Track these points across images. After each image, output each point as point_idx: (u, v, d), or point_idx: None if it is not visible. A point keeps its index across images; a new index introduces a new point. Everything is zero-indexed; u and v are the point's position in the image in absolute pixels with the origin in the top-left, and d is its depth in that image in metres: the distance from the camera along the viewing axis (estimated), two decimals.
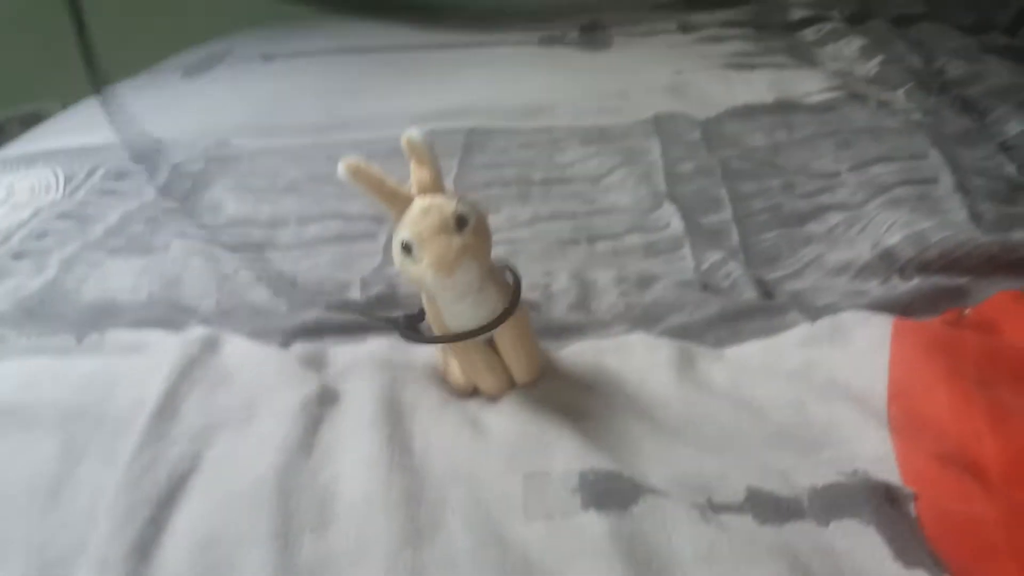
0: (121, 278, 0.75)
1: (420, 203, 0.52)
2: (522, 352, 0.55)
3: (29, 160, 1.10)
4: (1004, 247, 0.63)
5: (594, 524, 0.42)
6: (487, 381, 0.55)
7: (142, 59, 1.66)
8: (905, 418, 0.49)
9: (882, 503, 0.43)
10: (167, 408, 0.53)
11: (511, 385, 0.56)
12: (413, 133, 0.54)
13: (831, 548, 0.41)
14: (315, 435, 0.51)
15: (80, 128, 1.22)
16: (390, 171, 0.68)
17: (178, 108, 1.27)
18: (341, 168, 0.52)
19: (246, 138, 1.10)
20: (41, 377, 0.60)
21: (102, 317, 0.68)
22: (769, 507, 0.43)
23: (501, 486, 0.46)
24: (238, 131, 1.12)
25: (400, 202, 0.52)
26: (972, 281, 0.63)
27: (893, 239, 0.68)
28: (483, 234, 0.52)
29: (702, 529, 0.42)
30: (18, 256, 0.84)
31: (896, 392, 0.51)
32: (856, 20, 1.35)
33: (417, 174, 0.54)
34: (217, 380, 0.57)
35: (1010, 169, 0.89)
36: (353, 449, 0.49)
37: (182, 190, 0.97)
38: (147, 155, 1.07)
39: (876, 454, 0.47)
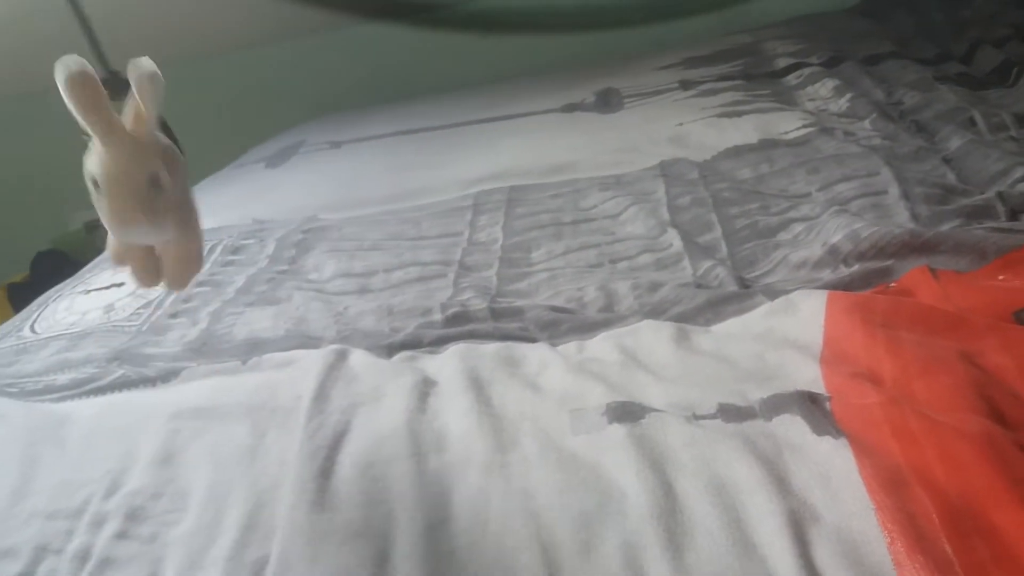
0: (261, 322, 1.00)
1: (123, 145, 0.50)
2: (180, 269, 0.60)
3: None
4: (912, 235, 0.84)
5: (617, 431, 0.64)
6: (141, 276, 0.60)
7: (226, 153, 1.96)
8: (832, 355, 0.70)
9: (807, 403, 0.64)
10: (320, 396, 0.77)
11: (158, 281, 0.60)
12: (144, 63, 0.51)
13: (772, 432, 0.62)
14: (426, 403, 0.74)
15: None
16: (448, 225, 0.89)
17: (269, 193, 1.54)
18: (62, 75, 0.48)
19: (331, 212, 1.36)
20: (223, 388, 0.84)
21: (254, 348, 0.92)
22: (733, 414, 0.65)
23: (555, 419, 0.69)
24: (324, 208, 1.38)
25: (107, 128, 0.50)
26: (896, 263, 0.84)
27: (836, 238, 0.89)
28: (170, 196, 0.53)
29: (687, 428, 0.63)
30: (174, 316, 1.09)
31: (828, 340, 0.72)
32: (832, 63, 1.57)
33: (135, 108, 0.52)
34: (351, 377, 0.80)
35: (951, 177, 1.09)
36: (452, 408, 0.72)
37: (288, 257, 1.22)
38: (255, 232, 1.33)
39: (809, 379, 0.68)
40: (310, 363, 0.83)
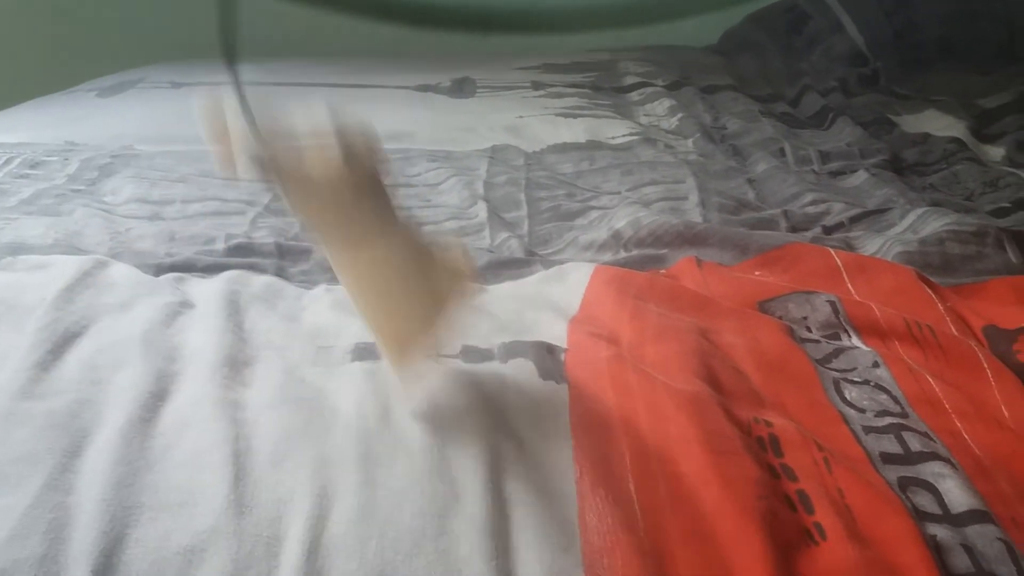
0: (32, 229, 0.93)
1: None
2: None
3: None
4: (686, 226, 0.89)
5: (354, 368, 0.64)
6: None
7: (60, 83, 1.85)
8: (582, 317, 0.73)
9: (542, 351, 0.66)
10: (64, 298, 0.72)
11: None
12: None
13: (503, 374, 0.63)
14: (174, 319, 0.71)
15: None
16: None
17: (91, 120, 1.46)
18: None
19: (148, 144, 1.30)
20: None
21: (14, 250, 0.86)
22: (473, 355, 0.66)
23: (300, 351, 0.67)
24: (142, 139, 1.32)
25: None
26: (670, 252, 0.89)
27: (620, 224, 0.93)
28: None
29: (423, 363, 0.64)
30: None
31: (584, 305, 0.75)
32: (673, 87, 1.65)
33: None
34: (104, 287, 0.76)
35: (750, 195, 1.16)
36: (199, 325, 0.70)
37: (88, 178, 1.16)
38: (62, 151, 1.25)
39: (556, 335, 0.70)
40: (64, 267, 0.78)
